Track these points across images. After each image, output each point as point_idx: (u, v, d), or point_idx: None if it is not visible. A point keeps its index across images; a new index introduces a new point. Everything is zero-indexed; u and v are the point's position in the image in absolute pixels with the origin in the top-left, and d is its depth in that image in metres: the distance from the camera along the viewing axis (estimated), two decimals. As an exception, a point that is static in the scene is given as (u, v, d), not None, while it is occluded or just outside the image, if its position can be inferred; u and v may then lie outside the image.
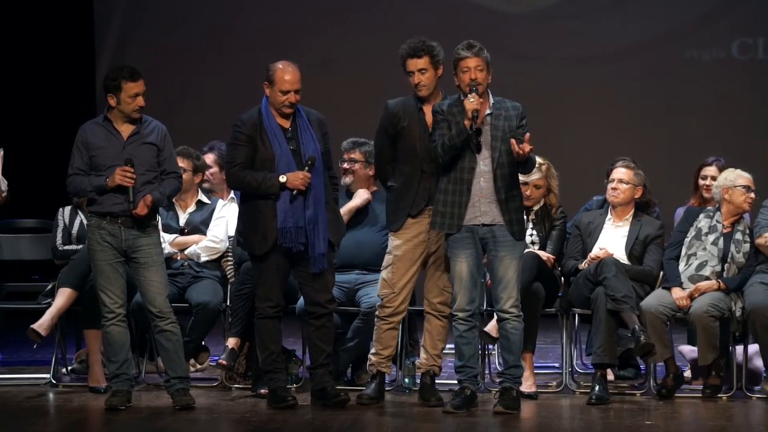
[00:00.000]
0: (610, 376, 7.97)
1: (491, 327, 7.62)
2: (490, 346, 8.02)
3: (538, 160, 7.91)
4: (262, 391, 7.54)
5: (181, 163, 7.94)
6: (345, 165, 8.15)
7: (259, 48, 11.86)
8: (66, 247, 8.35)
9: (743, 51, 12.13)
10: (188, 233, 8.24)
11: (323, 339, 7.34)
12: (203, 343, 8.17)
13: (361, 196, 8.11)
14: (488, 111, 7.12)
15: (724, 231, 7.80)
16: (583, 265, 7.85)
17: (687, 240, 7.84)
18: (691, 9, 12.16)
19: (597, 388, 7.53)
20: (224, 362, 7.82)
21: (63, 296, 7.97)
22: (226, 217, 8.26)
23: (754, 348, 7.84)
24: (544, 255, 7.91)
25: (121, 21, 12.53)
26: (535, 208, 8.06)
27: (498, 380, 7.40)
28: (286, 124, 7.30)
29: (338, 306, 7.67)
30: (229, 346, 7.84)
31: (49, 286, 8.31)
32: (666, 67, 12.10)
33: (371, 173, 8.07)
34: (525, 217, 7.60)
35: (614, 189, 8.00)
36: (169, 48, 12.44)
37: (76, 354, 8.61)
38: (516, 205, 7.14)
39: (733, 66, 12.13)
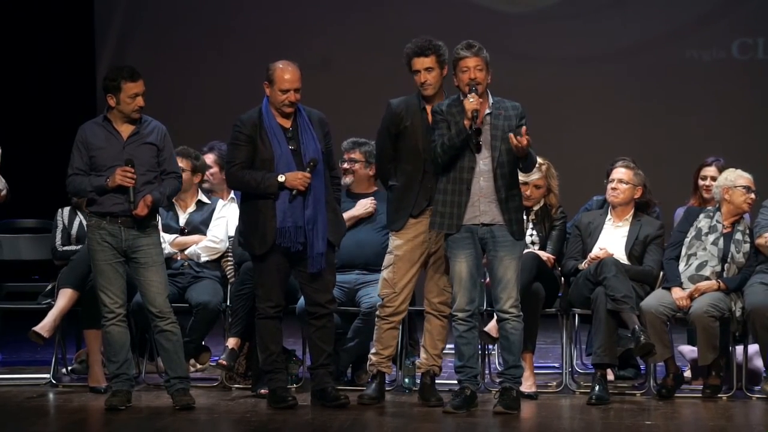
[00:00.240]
0: (610, 376, 7.97)
1: (491, 327, 7.62)
2: (490, 346, 8.02)
3: (539, 160, 7.91)
4: (262, 391, 7.54)
5: (181, 163, 7.93)
6: (345, 165, 8.15)
7: (259, 48, 11.87)
8: (65, 248, 8.35)
9: (743, 51, 12.13)
10: (188, 233, 8.24)
11: (324, 339, 7.34)
12: (204, 343, 8.17)
13: (364, 206, 8.10)
14: (488, 111, 7.12)
15: (724, 231, 7.80)
16: (583, 265, 7.85)
17: (687, 240, 7.84)
18: (691, 9, 12.17)
19: (597, 388, 7.53)
20: (224, 362, 7.82)
21: (64, 297, 7.97)
22: (226, 217, 8.26)
23: (754, 348, 7.84)
24: (544, 255, 7.91)
25: (121, 21, 12.54)
26: (535, 208, 8.06)
27: (498, 380, 7.40)
28: (287, 123, 7.30)
29: (338, 306, 7.67)
30: (229, 346, 7.84)
31: (49, 287, 8.31)
32: (666, 67, 12.11)
33: (371, 173, 8.07)
34: (525, 217, 7.60)
35: (614, 189, 8.00)
36: (169, 48, 12.44)
37: (76, 354, 8.61)
38: (515, 204, 7.14)
39: (733, 66, 12.13)
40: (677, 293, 7.68)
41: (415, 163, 7.32)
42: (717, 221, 7.82)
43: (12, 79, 12.07)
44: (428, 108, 7.32)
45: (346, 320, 7.96)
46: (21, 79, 12.12)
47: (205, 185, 8.44)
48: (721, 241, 7.77)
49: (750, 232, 7.82)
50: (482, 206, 7.09)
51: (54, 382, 8.13)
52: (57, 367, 8.23)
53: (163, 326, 7.31)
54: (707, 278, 7.72)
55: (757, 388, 7.81)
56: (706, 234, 7.80)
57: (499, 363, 7.48)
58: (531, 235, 8.01)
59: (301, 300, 7.56)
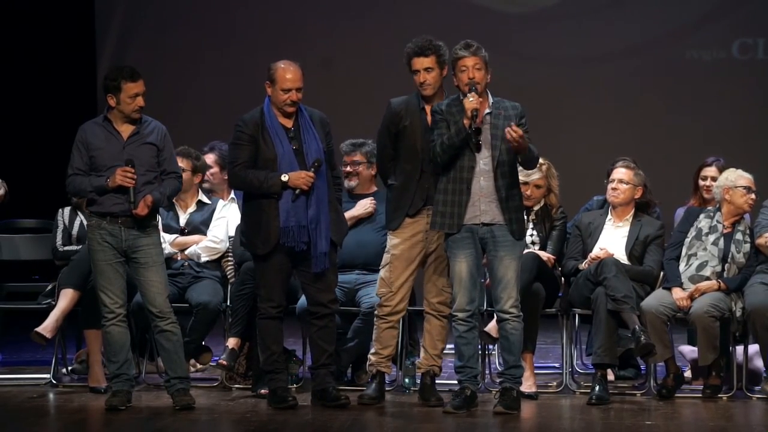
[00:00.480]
0: (611, 377, 7.97)
1: (491, 327, 7.62)
2: (490, 347, 8.02)
3: (539, 159, 7.91)
4: (263, 391, 7.54)
5: (181, 163, 7.94)
6: (348, 168, 8.14)
7: (259, 48, 11.86)
8: (66, 248, 8.35)
9: (743, 51, 12.13)
10: (188, 233, 8.24)
11: (325, 339, 7.34)
12: (204, 343, 8.17)
13: (364, 206, 8.11)
14: (488, 110, 7.12)
15: (725, 231, 7.80)
16: (584, 266, 7.85)
17: (687, 240, 7.84)
18: (691, 9, 12.16)
19: (597, 388, 7.53)
20: (224, 362, 7.82)
21: (66, 297, 7.97)
22: (226, 217, 8.26)
23: (754, 348, 7.84)
24: (544, 255, 7.91)
25: (121, 21, 12.54)
26: (536, 208, 8.06)
27: (498, 380, 7.40)
28: (289, 123, 7.30)
29: (339, 306, 7.67)
30: (230, 347, 7.84)
31: (49, 287, 8.30)
32: (666, 67, 12.11)
33: (373, 172, 8.07)
34: (525, 217, 7.59)
35: (614, 189, 8.00)
36: (169, 48, 12.44)
37: (77, 354, 8.60)
38: (516, 204, 7.14)
39: (733, 66, 12.13)
40: (677, 293, 7.68)
41: (413, 162, 7.32)
42: (717, 221, 7.82)
43: (12, 79, 12.07)
44: (427, 108, 7.32)
45: (346, 320, 7.96)
46: (21, 79, 12.11)
47: (205, 185, 8.44)
48: (721, 242, 7.77)
49: (750, 232, 7.82)
50: (482, 206, 7.09)
51: (54, 382, 8.13)
52: (57, 367, 8.23)
53: (163, 326, 7.31)
54: (707, 278, 7.72)
55: (757, 388, 7.81)
56: (707, 234, 7.80)
57: (499, 363, 7.48)
58: (531, 235, 8.01)
59: (302, 300, 7.56)
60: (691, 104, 12.08)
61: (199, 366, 8.29)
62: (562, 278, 8.06)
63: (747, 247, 7.77)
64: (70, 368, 8.53)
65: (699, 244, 7.80)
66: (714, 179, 8.14)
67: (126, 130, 7.31)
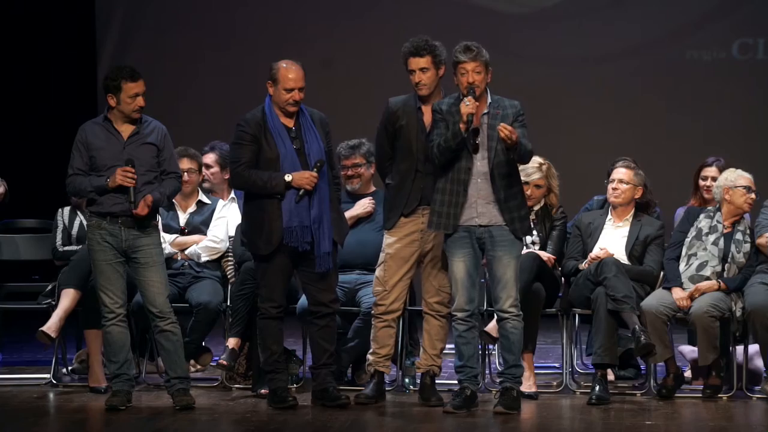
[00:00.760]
0: (611, 377, 7.97)
1: (491, 327, 7.62)
2: (490, 346, 8.02)
3: (539, 159, 7.93)
4: (263, 391, 7.54)
5: (189, 164, 8.00)
6: (349, 172, 8.13)
7: (259, 48, 11.86)
8: (66, 248, 8.35)
9: (743, 51, 12.13)
10: (188, 233, 8.24)
11: (326, 339, 7.34)
12: (204, 344, 8.17)
13: (363, 205, 8.11)
14: (485, 111, 7.12)
15: (725, 231, 7.80)
16: (584, 266, 7.85)
17: (687, 240, 7.84)
18: (691, 9, 12.16)
19: (597, 388, 7.53)
20: (224, 362, 7.82)
21: (67, 297, 7.97)
22: (226, 217, 8.26)
23: (754, 348, 7.84)
24: (544, 255, 7.91)
25: (121, 21, 12.53)
26: (536, 208, 8.06)
27: (498, 380, 7.40)
28: (290, 123, 7.30)
29: (340, 306, 7.66)
30: (230, 347, 7.84)
31: (49, 287, 8.30)
32: (666, 67, 12.10)
33: (373, 172, 8.07)
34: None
35: (614, 189, 8.00)
36: (169, 48, 12.44)
37: (77, 354, 8.61)
38: (517, 203, 7.13)
39: (733, 66, 12.13)
40: (677, 293, 7.68)
41: (409, 162, 7.33)
42: (717, 221, 7.82)
43: (12, 79, 12.07)
44: (424, 108, 7.33)
45: (346, 320, 7.96)
46: (21, 79, 12.11)
47: (205, 185, 8.44)
48: (721, 241, 7.77)
49: (750, 232, 7.82)
50: (480, 208, 7.09)
51: (54, 382, 8.13)
52: (57, 367, 8.23)
53: (164, 326, 7.31)
54: (707, 278, 7.72)
55: (757, 388, 7.81)
56: (707, 234, 7.80)
57: (499, 363, 7.48)
58: (531, 235, 8.00)
59: (302, 300, 7.56)
60: (691, 104, 12.08)
61: (199, 367, 8.29)
62: (562, 278, 8.06)
63: (747, 247, 7.77)
64: (70, 368, 8.53)
65: (699, 244, 7.80)
66: (714, 179, 8.13)
67: (126, 130, 7.31)
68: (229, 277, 8.18)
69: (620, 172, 8.01)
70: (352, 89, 11.95)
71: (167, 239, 8.11)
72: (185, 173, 8.12)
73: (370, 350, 7.49)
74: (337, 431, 6.70)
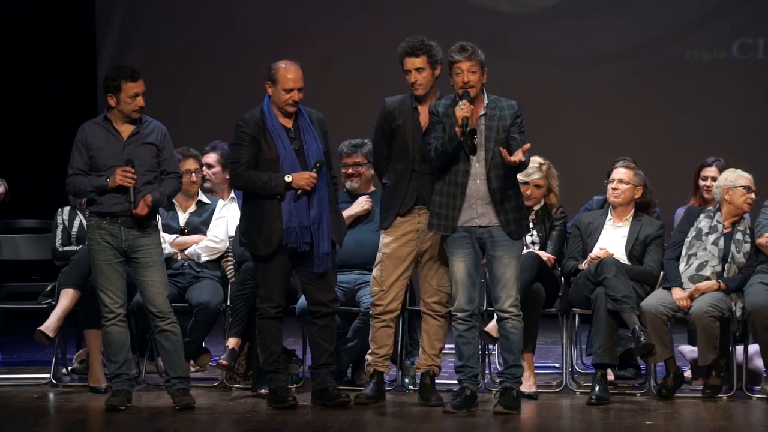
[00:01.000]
0: (611, 376, 7.97)
1: (491, 327, 7.62)
2: (490, 346, 8.02)
3: (539, 159, 7.93)
4: (263, 391, 7.54)
5: (196, 164, 8.03)
6: (350, 170, 8.13)
7: (260, 48, 11.86)
8: (65, 248, 8.35)
9: (743, 51, 12.12)
10: (188, 233, 8.24)
11: (326, 338, 7.34)
12: (204, 344, 8.17)
13: (361, 204, 8.11)
14: (482, 112, 7.12)
15: (725, 231, 7.80)
16: (584, 266, 7.85)
17: (687, 240, 7.84)
18: (691, 9, 12.16)
19: (597, 388, 7.53)
20: (224, 362, 7.82)
21: (67, 297, 7.97)
22: (226, 217, 8.26)
23: (754, 348, 7.84)
24: (544, 255, 7.91)
25: (121, 21, 12.53)
26: (536, 208, 8.06)
27: (498, 380, 7.40)
28: (289, 123, 7.30)
29: (340, 306, 7.66)
30: (230, 347, 7.84)
31: (49, 287, 8.30)
32: (666, 67, 12.10)
33: (372, 172, 8.07)
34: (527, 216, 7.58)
35: (614, 189, 8.01)
36: (169, 48, 12.43)
37: (77, 354, 8.61)
38: (513, 204, 7.13)
39: (733, 66, 12.13)
40: (677, 293, 7.68)
41: (405, 162, 7.33)
42: (717, 221, 7.82)
43: (12, 79, 12.07)
44: (420, 108, 7.33)
45: (346, 320, 7.96)
46: (21, 79, 12.11)
47: (207, 185, 8.44)
48: (721, 241, 7.77)
49: (750, 232, 7.82)
50: (479, 209, 7.09)
51: (54, 382, 8.13)
52: (57, 367, 8.23)
53: (163, 326, 7.31)
54: (707, 278, 7.72)
55: (757, 388, 7.81)
56: (707, 234, 7.80)
57: (499, 363, 7.48)
58: (531, 235, 8.01)
59: (302, 300, 7.56)
60: (691, 104, 12.07)
61: (198, 367, 8.28)
62: (562, 278, 8.06)
63: (747, 247, 7.77)
64: (70, 368, 8.53)
65: (699, 244, 7.80)
66: (714, 179, 8.13)
67: (126, 130, 7.31)
68: (229, 277, 8.18)
69: (620, 172, 8.01)
70: (352, 89, 11.95)
71: (167, 239, 8.11)
72: (192, 173, 8.15)
73: (369, 350, 7.49)
74: (337, 431, 6.70)
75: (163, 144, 7.35)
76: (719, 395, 7.68)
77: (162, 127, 7.40)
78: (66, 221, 8.43)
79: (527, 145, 6.96)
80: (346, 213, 7.92)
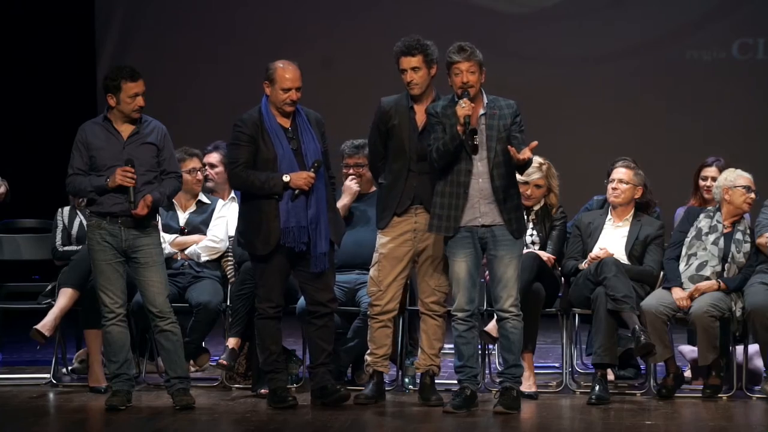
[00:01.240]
0: (611, 376, 7.97)
1: (491, 327, 7.62)
2: (490, 346, 8.02)
3: (539, 159, 7.92)
4: (263, 391, 7.55)
5: (197, 163, 8.03)
6: (350, 170, 8.12)
7: (259, 48, 11.85)
8: (65, 248, 8.35)
9: (743, 51, 12.13)
10: (188, 233, 8.24)
11: (324, 338, 7.34)
12: (203, 344, 8.17)
13: (349, 190, 8.09)
14: (482, 111, 7.12)
15: (725, 231, 7.80)
16: (584, 265, 7.85)
17: (687, 240, 7.84)
18: (691, 9, 12.16)
19: (597, 388, 7.53)
20: (224, 362, 7.82)
21: (65, 296, 7.97)
22: (226, 216, 8.26)
23: (754, 348, 7.84)
24: (544, 255, 7.91)
25: (121, 21, 12.53)
26: (536, 208, 8.06)
27: (498, 380, 7.40)
28: (287, 123, 7.30)
29: (339, 306, 7.66)
30: (230, 346, 7.84)
31: (49, 287, 8.30)
32: (666, 67, 12.10)
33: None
34: (525, 216, 7.59)
35: (614, 189, 8.01)
36: (169, 48, 12.44)
37: (77, 354, 8.61)
38: (514, 203, 7.15)
39: (733, 66, 12.13)
40: (677, 293, 7.68)
41: (401, 161, 7.33)
42: (717, 221, 7.82)
43: (12, 80, 12.07)
44: (416, 107, 7.33)
45: (346, 320, 7.96)
46: (21, 79, 12.11)
47: (209, 184, 8.45)
48: (721, 241, 7.77)
49: (750, 232, 7.82)
50: (482, 207, 7.10)
51: (54, 382, 8.13)
52: (57, 367, 8.23)
53: (163, 326, 7.31)
54: (707, 278, 7.72)
55: (757, 388, 7.81)
56: (707, 234, 7.80)
57: (499, 363, 7.48)
58: (531, 235, 8.01)
59: (301, 300, 7.56)
60: (691, 104, 12.08)
61: (197, 367, 8.28)
62: (562, 278, 8.06)
63: (747, 246, 7.77)
64: (70, 368, 8.53)
65: (699, 244, 7.80)
66: (714, 179, 8.13)
67: (126, 129, 7.31)
68: (229, 277, 8.18)
69: (620, 172, 8.01)
70: (352, 89, 11.94)
71: (167, 239, 8.11)
72: (198, 172, 8.16)
73: (368, 351, 7.49)
74: (337, 431, 6.70)
75: (163, 144, 7.35)
76: (719, 395, 7.68)
77: (162, 126, 7.40)
78: (66, 221, 8.43)
79: (534, 143, 6.97)
80: (339, 204, 7.91)
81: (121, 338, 7.31)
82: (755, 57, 12.12)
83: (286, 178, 7.17)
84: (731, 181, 7.80)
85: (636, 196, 8.02)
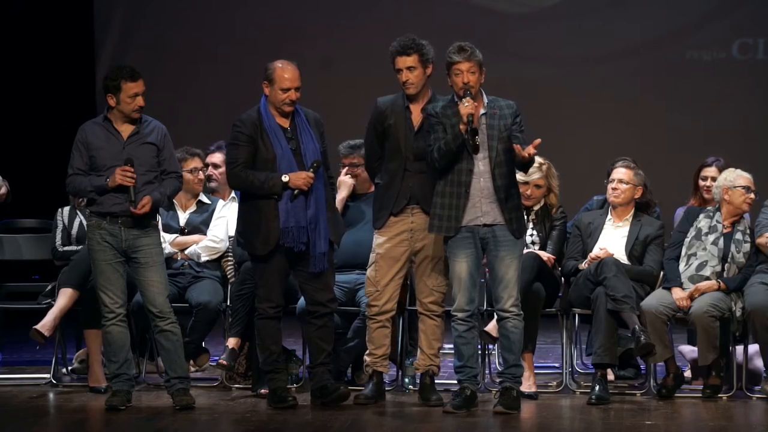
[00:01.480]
0: (611, 376, 7.97)
1: (491, 327, 7.62)
2: (490, 346, 8.02)
3: (539, 159, 7.92)
4: (263, 391, 7.55)
5: (198, 163, 8.05)
6: (346, 170, 8.12)
7: (259, 48, 11.85)
8: (65, 248, 8.35)
9: (743, 51, 12.13)
10: (188, 233, 8.24)
11: (324, 338, 7.34)
12: (203, 344, 8.17)
13: (344, 183, 8.09)
14: (483, 111, 7.12)
15: (725, 231, 7.80)
16: (584, 265, 7.85)
17: (687, 240, 7.84)
18: (691, 9, 12.16)
19: (597, 388, 7.53)
20: (224, 362, 7.82)
21: (65, 296, 7.97)
22: (226, 217, 8.26)
23: (754, 348, 7.84)
24: (544, 255, 7.91)
25: (121, 21, 12.53)
26: (536, 208, 8.06)
27: (498, 380, 7.40)
28: (286, 123, 7.30)
29: (339, 306, 7.66)
30: (229, 346, 7.84)
31: (49, 287, 8.30)
32: (666, 67, 12.10)
33: (368, 173, 8.07)
34: (525, 216, 7.60)
35: (614, 189, 8.01)
36: (169, 48, 12.44)
37: (77, 354, 8.61)
38: (514, 203, 7.15)
39: (733, 66, 12.13)
40: (677, 293, 7.68)
41: (397, 161, 7.34)
42: (717, 221, 7.82)
43: (12, 79, 12.07)
44: (412, 107, 7.33)
45: (346, 320, 7.96)
46: (21, 79, 12.11)
47: (212, 184, 8.46)
48: (721, 241, 7.77)
49: (750, 232, 7.82)
50: (484, 207, 7.10)
51: (54, 382, 8.13)
52: (57, 367, 8.23)
53: (163, 326, 7.31)
54: (707, 278, 7.72)
55: (757, 388, 7.81)
56: (706, 234, 7.80)
57: (499, 363, 7.48)
58: (531, 235, 8.01)
59: (301, 300, 7.56)
60: (691, 104, 12.08)
61: (197, 367, 8.28)
62: (562, 278, 8.06)
63: (747, 246, 7.77)
64: (70, 368, 8.53)
65: (699, 244, 7.80)
66: (714, 179, 8.13)
67: (126, 129, 7.31)
68: (229, 277, 8.18)
69: (620, 172, 8.02)
70: (352, 89, 11.94)
71: (167, 239, 8.11)
72: (199, 172, 8.17)
73: (367, 351, 7.49)
74: (337, 431, 6.70)
75: (163, 144, 7.35)
76: (719, 395, 7.68)
77: (162, 126, 7.40)
78: (66, 221, 8.43)
79: (538, 140, 6.97)
80: (338, 198, 7.90)
81: (121, 338, 7.31)
82: (755, 57, 12.12)
83: (285, 178, 7.17)
84: (731, 181, 7.80)
85: (636, 196, 8.02)
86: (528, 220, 7.97)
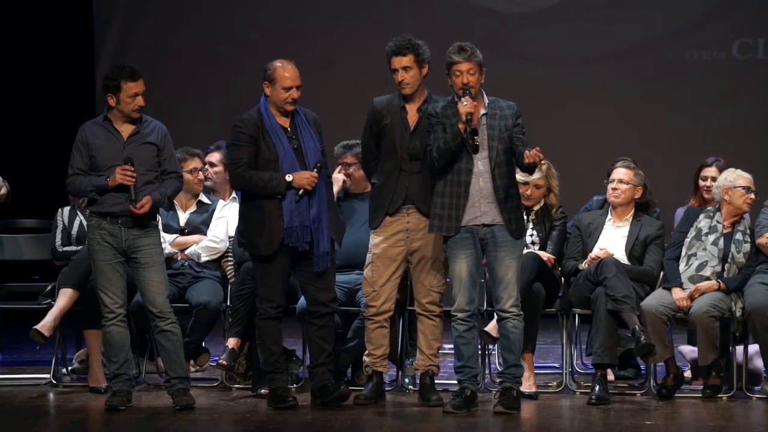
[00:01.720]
0: (611, 377, 7.97)
1: (491, 327, 7.62)
2: (490, 346, 8.02)
3: (539, 159, 7.93)
4: (263, 391, 7.55)
5: (198, 163, 8.06)
6: (340, 169, 8.12)
7: (259, 48, 11.85)
8: (65, 248, 8.35)
9: (743, 51, 12.13)
10: (188, 233, 8.24)
11: (324, 338, 7.34)
12: (203, 344, 8.17)
13: (337, 181, 8.09)
14: (483, 111, 7.12)
15: (725, 231, 7.80)
16: (584, 266, 7.85)
17: (687, 240, 7.84)
18: (691, 9, 12.16)
19: (597, 388, 7.53)
20: (224, 362, 7.82)
21: (65, 296, 7.97)
22: (226, 217, 8.26)
23: (754, 348, 7.84)
24: (544, 255, 7.91)
25: (121, 21, 12.53)
26: (536, 208, 8.06)
27: (498, 380, 7.40)
28: (286, 123, 7.30)
29: (339, 306, 7.66)
30: (229, 347, 7.84)
31: (49, 287, 8.30)
32: (666, 67, 12.10)
33: (362, 172, 8.05)
34: (525, 216, 7.60)
35: (614, 189, 8.01)
36: (169, 48, 12.44)
37: (77, 354, 8.61)
38: (514, 203, 7.15)
39: (733, 66, 12.13)
40: (677, 293, 7.68)
41: (393, 161, 7.34)
42: (717, 221, 7.82)
43: (12, 80, 12.07)
44: (408, 107, 7.34)
45: (346, 320, 7.96)
46: (21, 79, 12.11)
47: (208, 183, 8.45)
48: (721, 242, 7.77)
49: (750, 232, 7.82)
50: (483, 207, 7.10)
51: (54, 382, 8.13)
52: (57, 367, 8.23)
53: (164, 326, 7.31)
54: (707, 278, 7.72)
55: (757, 388, 7.81)
56: (706, 234, 7.80)
57: (499, 363, 7.48)
58: (531, 235, 8.01)
59: (302, 300, 7.56)
60: (691, 104, 12.08)
61: (198, 367, 8.28)
62: (562, 278, 8.06)
63: (747, 247, 7.77)
64: (70, 368, 8.53)
65: (699, 244, 7.80)
66: (714, 179, 8.13)
67: (126, 129, 7.31)
68: (229, 277, 8.18)
69: (620, 172, 8.02)
70: (352, 89, 11.93)
71: (167, 239, 8.11)
72: (199, 172, 8.17)
73: (366, 352, 7.49)
74: (337, 431, 6.70)
75: (164, 144, 7.35)
76: (719, 395, 7.68)
77: (162, 126, 7.40)
78: (66, 221, 8.43)
79: (538, 149, 6.96)
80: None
81: (121, 338, 7.31)
82: (755, 57, 12.12)
83: (289, 177, 7.17)
84: (731, 181, 7.80)
85: (636, 197, 8.02)
86: (528, 221, 7.97)
